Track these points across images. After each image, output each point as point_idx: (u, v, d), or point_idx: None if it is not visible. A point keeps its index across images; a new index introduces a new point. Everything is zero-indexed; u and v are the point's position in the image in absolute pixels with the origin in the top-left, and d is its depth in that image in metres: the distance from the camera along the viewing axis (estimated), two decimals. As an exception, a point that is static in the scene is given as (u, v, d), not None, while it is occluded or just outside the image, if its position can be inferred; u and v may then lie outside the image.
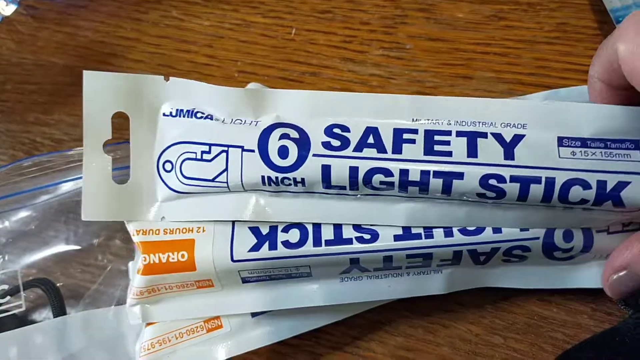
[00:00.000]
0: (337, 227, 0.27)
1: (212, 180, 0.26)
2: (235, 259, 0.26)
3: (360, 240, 0.26)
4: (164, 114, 0.28)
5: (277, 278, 0.27)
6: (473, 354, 0.29)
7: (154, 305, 0.28)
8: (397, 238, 0.26)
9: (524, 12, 0.36)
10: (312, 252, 0.26)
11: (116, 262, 0.33)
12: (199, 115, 0.27)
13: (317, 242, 0.26)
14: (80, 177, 0.33)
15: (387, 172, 0.25)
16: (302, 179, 0.25)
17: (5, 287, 0.32)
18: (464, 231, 0.26)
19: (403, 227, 0.26)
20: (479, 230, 0.26)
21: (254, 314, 0.28)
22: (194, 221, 0.27)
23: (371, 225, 0.27)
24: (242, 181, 0.26)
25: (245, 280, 0.27)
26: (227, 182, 0.26)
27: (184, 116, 0.27)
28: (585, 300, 0.29)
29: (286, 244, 0.27)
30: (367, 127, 0.26)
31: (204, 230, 0.27)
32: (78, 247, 0.34)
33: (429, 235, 0.26)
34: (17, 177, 0.35)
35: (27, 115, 0.39)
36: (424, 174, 0.24)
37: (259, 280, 0.27)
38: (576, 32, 0.35)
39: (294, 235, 0.27)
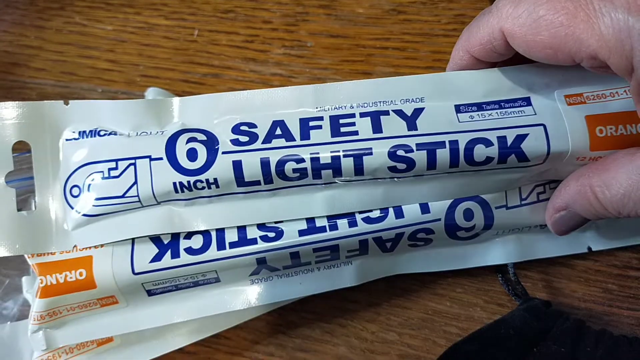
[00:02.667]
0: (241, 229, 0.26)
1: (123, 196, 0.25)
2: (136, 271, 0.26)
3: (264, 239, 0.26)
4: (66, 139, 0.26)
5: (184, 287, 0.27)
6: (369, 352, 0.29)
7: (57, 330, 0.27)
8: (301, 233, 0.26)
9: (422, 4, 0.36)
10: (217, 257, 0.26)
11: (13, 277, 0.33)
12: (102, 133, 0.26)
13: (220, 246, 0.26)
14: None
15: (299, 159, 0.24)
16: (215, 179, 0.25)
17: None
18: (367, 219, 0.26)
19: (307, 221, 0.26)
20: (382, 217, 0.26)
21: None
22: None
23: (290, 219, 0.26)
24: (153, 192, 0.25)
25: (151, 293, 0.27)
26: (138, 195, 0.25)
27: (87, 137, 0.26)
28: (477, 293, 0.29)
29: (189, 250, 0.26)
30: (274, 121, 0.25)
31: (102, 246, 0.26)
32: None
33: (333, 227, 0.26)
34: None
35: None
36: (334, 155, 0.24)
37: (165, 291, 0.27)
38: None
39: (196, 241, 0.26)
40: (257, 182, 0.25)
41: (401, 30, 0.36)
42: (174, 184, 0.25)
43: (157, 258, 0.26)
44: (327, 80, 0.35)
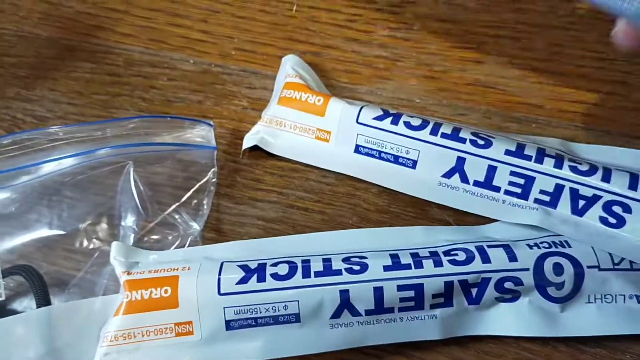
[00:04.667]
0: (326, 260, 0.26)
1: None
2: (222, 292, 0.26)
3: (349, 271, 0.26)
4: None
5: (263, 323, 0.26)
6: None
7: (126, 356, 0.26)
8: (386, 268, 0.26)
9: (537, -5, 0.35)
10: (301, 284, 0.26)
11: (103, 249, 0.31)
12: None
13: (306, 274, 0.26)
14: (66, 157, 0.31)
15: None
16: None
17: (-17, 274, 0.29)
18: (453, 262, 0.26)
19: (391, 257, 0.26)
20: (469, 260, 0.26)
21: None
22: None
23: (361, 258, 0.27)
24: None
25: (229, 326, 0.26)
26: None
27: None
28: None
29: (275, 276, 0.26)
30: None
31: (189, 268, 0.27)
32: (62, 232, 0.31)
33: (419, 264, 0.26)
34: (-4, 156, 0.32)
35: (7, 90, 0.37)
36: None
37: (243, 326, 0.26)
38: (592, 18, 0.34)
39: (282, 269, 0.26)
40: None
41: (515, 19, 0.34)
42: None
43: (243, 280, 0.26)
44: (435, 66, 0.34)
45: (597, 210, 0.27)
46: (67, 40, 0.38)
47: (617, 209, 0.26)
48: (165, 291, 0.26)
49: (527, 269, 0.26)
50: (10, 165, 0.32)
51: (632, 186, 0.26)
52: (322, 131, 0.31)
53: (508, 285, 0.26)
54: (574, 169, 0.27)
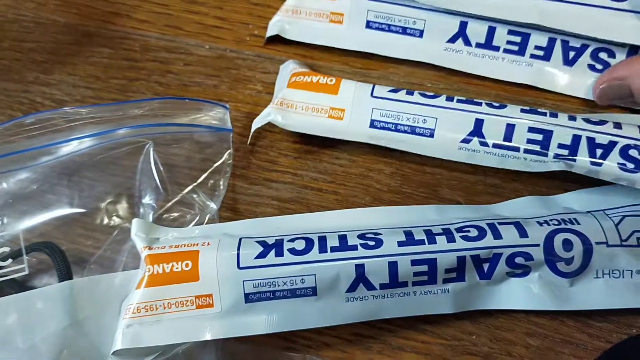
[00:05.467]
0: (342, 236, 0.27)
1: None
2: (241, 265, 0.26)
3: (364, 246, 0.27)
4: None
5: (281, 296, 0.26)
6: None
7: (148, 328, 0.27)
8: (400, 244, 0.27)
9: None
10: (318, 258, 0.26)
11: (122, 227, 0.32)
12: None
13: (322, 249, 0.27)
14: (85, 136, 0.32)
15: None
16: None
17: (7, 249, 0.30)
18: (465, 237, 0.27)
19: (405, 233, 0.27)
20: (481, 236, 0.27)
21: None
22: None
23: (375, 234, 0.27)
24: None
25: (248, 299, 0.26)
26: None
27: None
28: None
29: (292, 251, 0.27)
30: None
31: (209, 243, 0.28)
32: (82, 210, 0.32)
33: (432, 241, 0.27)
34: (15, 136, 0.33)
35: (26, 74, 0.38)
36: None
37: (262, 299, 0.26)
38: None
39: (299, 244, 0.27)
40: None
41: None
42: None
43: (261, 255, 0.27)
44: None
45: (615, 156, 0.28)
46: (84, 27, 0.39)
47: (633, 152, 0.28)
48: (187, 265, 0.27)
49: (538, 245, 0.27)
50: (29, 145, 0.33)
51: None
52: (335, 109, 0.31)
53: (519, 260, 0.27)
54: (587, 121, 0.29)
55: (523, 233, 0.27)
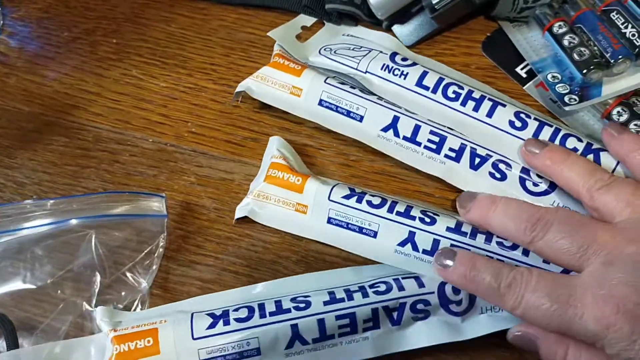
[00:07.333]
0: (277, 301, 0.34)
1: None
2: (195, 336, 0.32)
3: (297, 308, 0.33)
4: None
5: (231, 359, 0.32)
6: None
7: None
8: (325, 303, 0.33)
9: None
10: (259, 323, 0.32)
11: (67, 301, 0.37)
12: None
13: (262, 315, 0.33)
14: (43, 225, 0.37)
15: None
16: None
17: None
18: (377, 292, 0.33)
19: (329, 293, 0.34)
20: (388, 290, 0.34)
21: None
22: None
23: (305, 297, 0.34)
24: None
25: None
26: None
27: None
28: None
29: (238, 319, 0.33)
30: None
31: (165, 321, 0.33)
32: (33, 285, 0.38)
33: (350, 297, 0.33)
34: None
35: (-8, 157, 0.43)
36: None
37: None
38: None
39: (243, 312, 0.33)
40: None
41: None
42: None
43: (212, 325, 0.33)
44: (351, 155, 0.41)
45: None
46: (46, 116, 0.45)
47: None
48: (148, 341, 0.32)
49: (433, 292, 0.34)
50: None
51: None
52: (300, 205, 0.38)
53: (420, 306, 0.34)
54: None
55: (420, 284, 0.34)
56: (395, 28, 0.44)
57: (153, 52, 0.47)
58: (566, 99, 0.39)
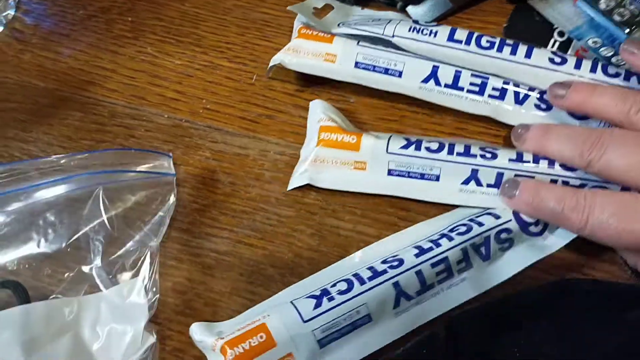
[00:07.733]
0: (370, 267, 0.34)
1: None
2: (305, 319, 0.31)
3: (391, 267, 0.33)
4: None
5: (345, 331, 0.32)
6: None
7: None
8: (417, 255, 0.33)
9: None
10: (362, 290, 0.32)
11: (80, 268, 0.37)
12: None
13: (361, 282, 0.33)
14: (49, 182, 0.37)
15: None
16: None
17: (-21, 284, 0.35)
18: (459, 234, 0.34)
19: (415, 247, 0.34)
20: (469, 229, 0.34)
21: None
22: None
23: (394, 257, 0.34)
24: None
25: (321, 344, 0.32)
26: None
27: None
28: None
29: (339, 292, 0.32)
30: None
31: (269, 316, 0.32)
32: (47, 251, 0.38)
33: (438, 244, 0.34)
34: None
35: (7, 131, 0.44)
36: None
37: (332, 340, 0.32)
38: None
39: (342, 285, 0.33)
40: None
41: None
42: None
43: (317, 305, 0.32)
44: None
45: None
46: (61, 92, 0.45)
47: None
48: (261, 337, 0.31)
49: (510, 219, 0.34)
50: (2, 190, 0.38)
51: None
52: (358, 162, 0.38)
53: (503, 235, 0.34)
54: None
55: (496, 216, 0.35)
56: (410, 8, 0.45)
57: (168, 30, 0.48)
58: (613, 60, 0.40)
